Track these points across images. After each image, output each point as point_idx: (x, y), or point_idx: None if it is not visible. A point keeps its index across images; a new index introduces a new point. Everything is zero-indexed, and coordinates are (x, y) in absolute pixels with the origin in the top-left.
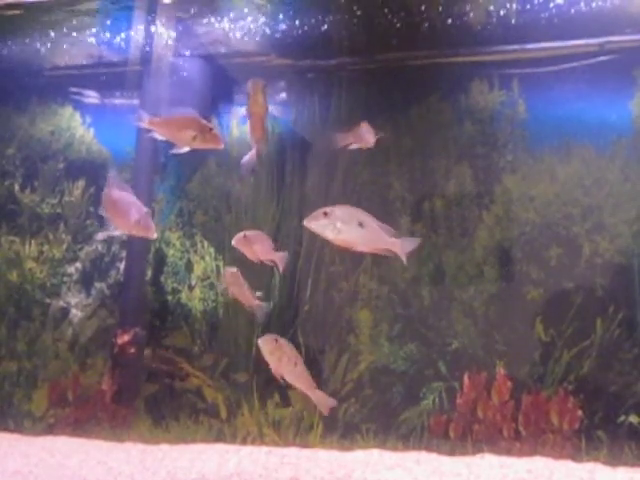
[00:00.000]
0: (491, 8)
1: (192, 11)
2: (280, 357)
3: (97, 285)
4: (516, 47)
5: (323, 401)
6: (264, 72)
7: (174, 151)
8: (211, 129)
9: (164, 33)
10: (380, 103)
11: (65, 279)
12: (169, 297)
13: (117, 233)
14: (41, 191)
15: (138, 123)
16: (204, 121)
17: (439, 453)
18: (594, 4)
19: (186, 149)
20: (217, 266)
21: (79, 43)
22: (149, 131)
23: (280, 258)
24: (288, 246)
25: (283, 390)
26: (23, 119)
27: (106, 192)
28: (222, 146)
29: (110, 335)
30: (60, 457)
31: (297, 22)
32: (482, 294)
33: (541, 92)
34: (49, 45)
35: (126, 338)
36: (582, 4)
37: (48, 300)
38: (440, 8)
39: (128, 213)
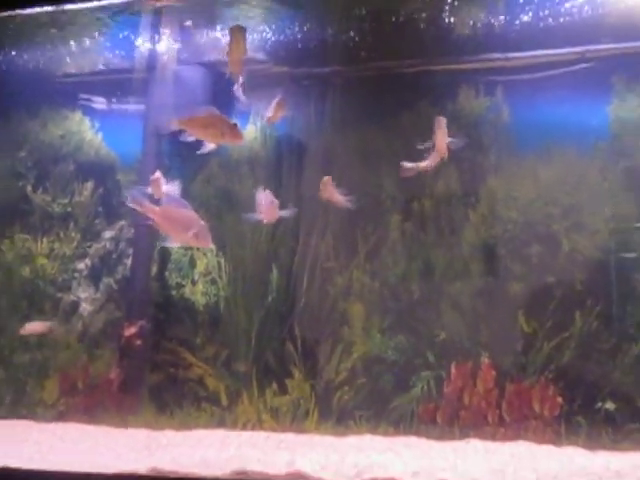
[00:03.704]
0: (477, 19)
1: (194, 21)
2: None
3: (105, 280)
4: (500, 56)
5: None
6: (263, 79)
7: (202, 150)
8: (235, 125)
9: (168, 42)
10: (372, 108)
11: (75, 275)
12: (173, 292)
13: (175, 245)
14: (52, 192)
15: (169, 126)
16: (228, 119)
17: (427, 438)
18: (574, 15)
19: (213, 146)
20: (218, 262)
21: (88, 52)
22: (180, 132)
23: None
24: (285, 243)
25: (281, 379)
26: (35, 124)
27: (161, 210)
28: (242, 142)
29: (117, 327)
30: (70, 442)
31: (294, 33)
32: (468, 289)
33: (524, 98)
34: (59, 53)
35: (132, 330)
36: (563, 15)
37: (59, 294)
38: (429, 19)
39: (186, 228)
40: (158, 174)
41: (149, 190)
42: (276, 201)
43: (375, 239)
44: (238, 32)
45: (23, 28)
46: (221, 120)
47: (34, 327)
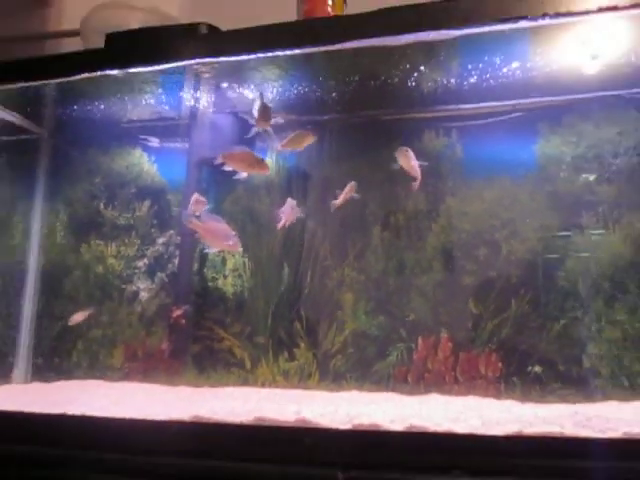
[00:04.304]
0: (436, 81)
1: (226, 81)
2: None
3: (159, 275)
4: (454, 107)
5: None
6: (276, 125)
7: (236, 177)
8: (263, 160)
9: (206, 96)
10: (360, 147)
11: (136, 271)
12: (209, 283)
13: (213, 251)
14: (119, 209)
15: (218, 160)
16: (257, 155)
17: (401, 393)
18: (509, 77)
19: (245, 174)
20: (243, 262)
21: (145, 104)
22: (222, 164)
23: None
24: (294, 247)
25: (290, 349)
26: (106, 157)
27: (203, 224)
28: (268, 173)
29: (167, 310)
30: (131, 397)
31: (299, 88)
32: (432, 281)
33: (472, 139)
34: (124, 104)
35: (179, 312)
36: (500, 77)
37: (124, 286)
38: (401, 81)
39: (223, 237)
40: (197, 195)
41: (190, 208)
42: (294, 202)
43: (361, 244)
44: (265, 108)
45: (98, 85)
46: (252, 155)
47: (77, 317)
